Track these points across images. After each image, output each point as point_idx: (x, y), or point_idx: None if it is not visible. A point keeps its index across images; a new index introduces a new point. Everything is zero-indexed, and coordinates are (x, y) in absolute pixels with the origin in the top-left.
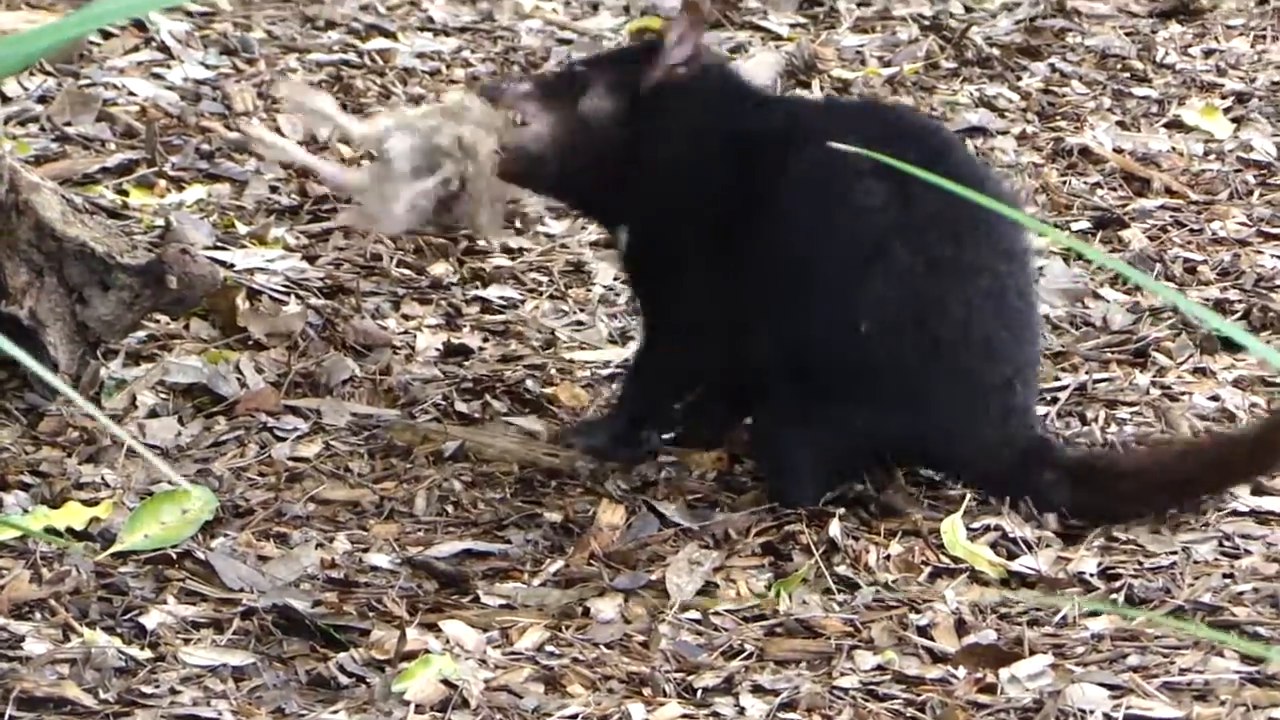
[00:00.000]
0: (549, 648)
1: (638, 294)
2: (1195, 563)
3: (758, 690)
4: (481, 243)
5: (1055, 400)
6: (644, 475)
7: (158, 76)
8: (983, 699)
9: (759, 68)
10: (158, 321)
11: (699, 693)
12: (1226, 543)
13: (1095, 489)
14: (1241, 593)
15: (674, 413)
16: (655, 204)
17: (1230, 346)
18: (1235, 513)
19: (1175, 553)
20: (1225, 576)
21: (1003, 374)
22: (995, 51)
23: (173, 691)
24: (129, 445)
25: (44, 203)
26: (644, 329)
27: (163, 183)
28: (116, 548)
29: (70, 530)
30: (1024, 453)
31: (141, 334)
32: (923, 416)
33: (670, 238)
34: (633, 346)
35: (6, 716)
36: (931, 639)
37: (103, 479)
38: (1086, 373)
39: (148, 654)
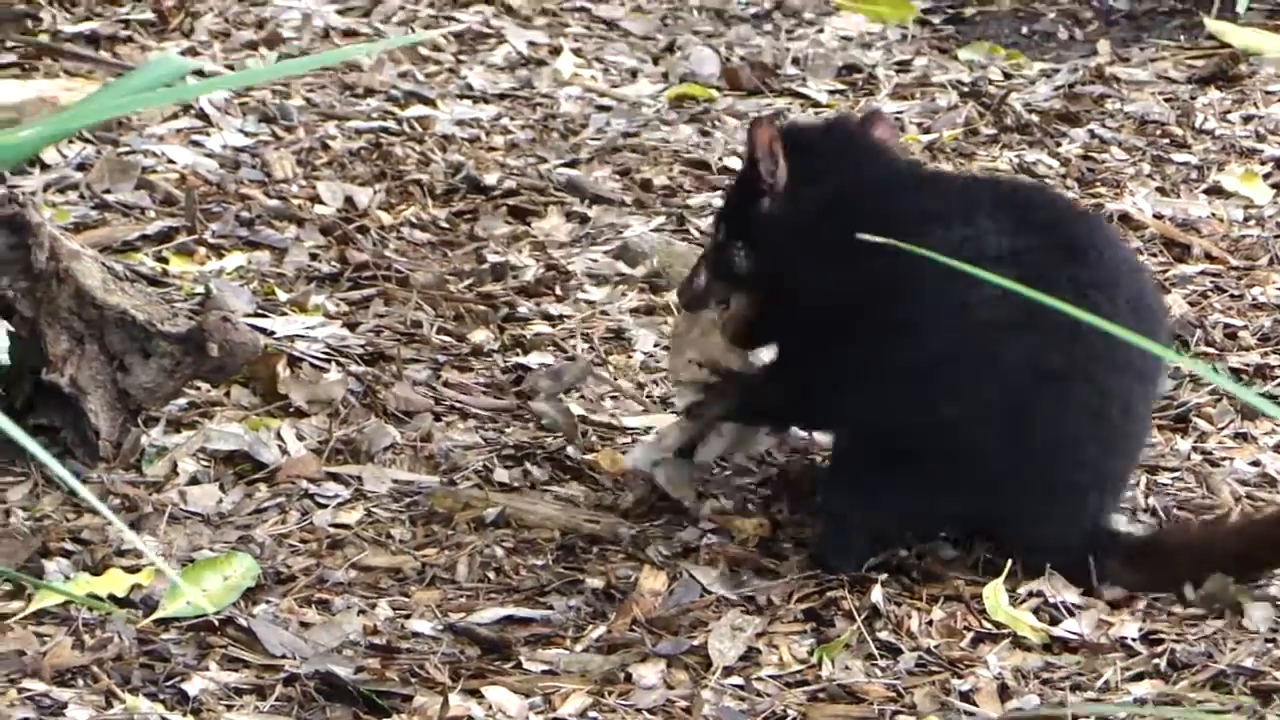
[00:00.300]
0: (592, 714)
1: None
2: (1239, 626)
3: None
4: (522, 309)
5: None
6: (685, 541)
7: (197, 144)
8: None
9: None
10: (198, 389)
11: None
12: (1275, 606)
13: (1157, 569)
14: None
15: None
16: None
17: None
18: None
19: (1220, 616)
20: (1268, 640)
21: (1082, 481)
22: (1034, 118)
23: None
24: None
25: (84, 270)
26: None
27: (202, 250)
28: (158, 614)
29: (112, 597)
30: (1088, 545)
31: (182, 401)
32: (991, 506)
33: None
34: (671, 415)
35: None
36: (974, 704)
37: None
38: None
39: None
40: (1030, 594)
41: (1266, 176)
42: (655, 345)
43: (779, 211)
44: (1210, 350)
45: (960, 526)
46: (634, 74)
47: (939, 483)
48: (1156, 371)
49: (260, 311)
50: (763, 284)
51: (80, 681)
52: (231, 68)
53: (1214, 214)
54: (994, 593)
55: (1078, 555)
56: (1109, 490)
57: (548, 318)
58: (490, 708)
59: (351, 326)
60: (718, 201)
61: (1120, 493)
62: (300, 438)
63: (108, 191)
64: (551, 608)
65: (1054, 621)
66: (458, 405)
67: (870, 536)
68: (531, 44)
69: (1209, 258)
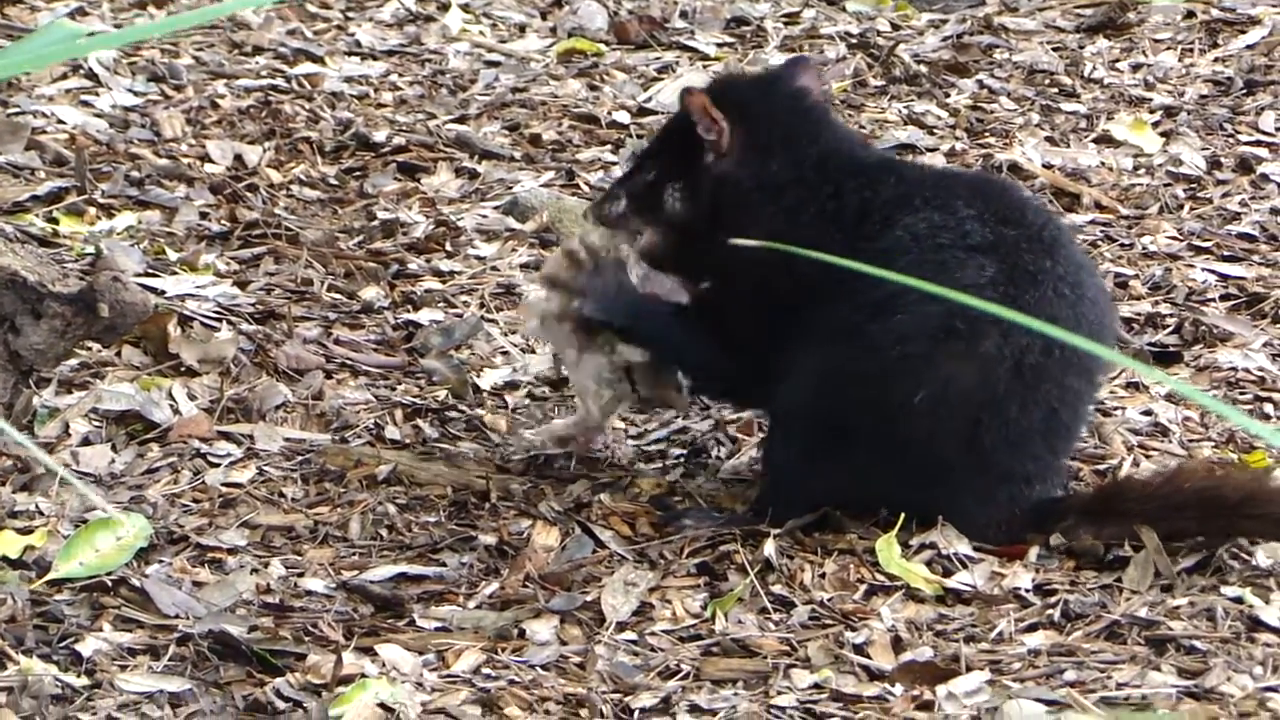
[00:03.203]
0: (485, 670)
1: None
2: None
3: (695, 710)
4: (412, 266)
5: None
6: (577, 496)
7: (86, 104)
8: (920, 716)
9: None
10: (90, 349)
11: (636, 713)
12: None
13: (1118, 518)
14: (1177, 607)
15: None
16: (742, 262)
17: (1164, 360)
18: None
19: (1106, 563)
20: (1163, 590)
21: (1024, 471)
22: (923, 69)
23: (110, 718)
24: (61, 474)
25: None
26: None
27: (93, 210)
28: (51, 575)
29: (5, 558)
30: (1032, 516)
31: (74, 362)
32: (931, 489)
33: (760, 282)
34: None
35: None
36: (868, 656)
37: (37, 507)
38: None
39: (84, 681)
40: (923, 546)
41: (1155, 125)
42: None
43: (731, 172)
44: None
45: (900, 505)
46: (522, 29)
47: (885, 465)
48: (1103, 371)
49: (151, 271)
50: (696, 232)
51: None
52: (120, 27)
53: (1104, 163)
54: (887, 545)
55: (1022, 523)
56: (1051, 480)
57: (438, 274)
58: (384, 665)
59: (242, 285)
60: (609, 155)
61: (1061, 479)
62: (192, 397)
63: None
64: (444, 564)
65: (947, 573)
66: (349, 363)
67: (810, 497)
68: (419, 0)
69: (1099, 207)
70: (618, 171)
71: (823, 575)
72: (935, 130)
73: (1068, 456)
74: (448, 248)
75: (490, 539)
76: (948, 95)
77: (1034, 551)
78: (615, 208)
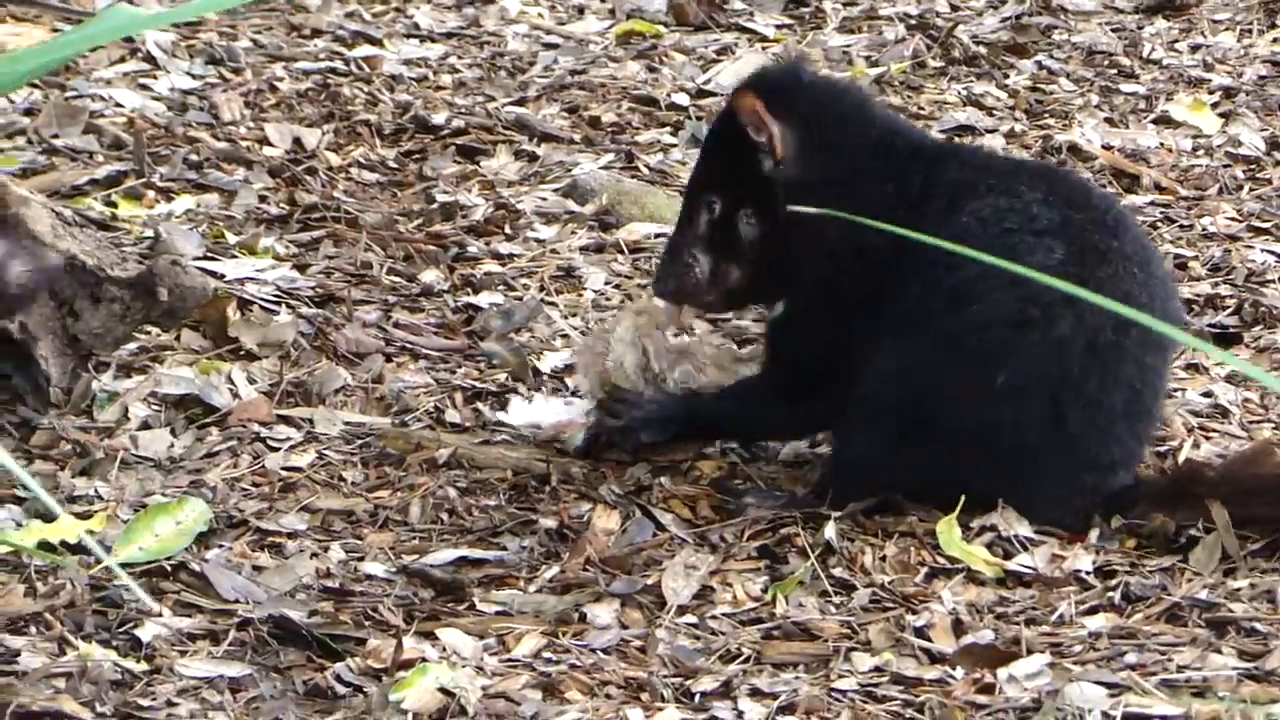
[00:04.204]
0: (546, 654)
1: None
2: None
3: (756, 694)
4: (472, 249)
5: None
6: (638, 479)
7: (144, 87)
8: (981, 699)
9: (745, 70)
10: (149, 333)
11: (697, 697)
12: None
13: (1192, 503)
14: (1238, 589)
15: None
16: (818, 270)
17: (1223, 342)
18: None
19: (1176, 546)
20: (1225, 573)
21: (1109, 458)
22: (982, 50)
23: (169, 704)
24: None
25: (33, 216)
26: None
27: (151, 194)
28: (111, 560)
29: (64, 544)
30: (1108, 502)
31: (133, 346)
32: (1015, 478)
33: (834, 286)
34: None
35: None
36: (929, 639)
37: (96, 492)
38: None
39: (144, 666)
40: (983, 528)
41: (1214, 106)
42: (606, 283)
43: (796, 175)
44: None
45: (977, 491)
46: (581, 11)
47: (968, 456)
48: (1175, 347)
49: (210, 254)
50: (774, 246)
51: (33, 629)
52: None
53: (1163, 144)
54: (947, 528)
55: (1098, 509)
56: (1130, 467)
57: (497, 257)
58: (444, 650)
59: (301, 268)
60: (668, 137)
61: (1134, 468)
62: (251, 381)
63: (55, 136)
64: (505, 548)
65: (1008, 556)
66: (408, 346)
67: (884, 489)
68: None
69: (1158, 188)
70: (675, 155)
71: (883, 558)
72: (994, 111)
73: (1149, 441)
74: (507, 230)
75: (550, 522)
76: (1006, 76)
77: (1094, 534)
78: (696, 274)
